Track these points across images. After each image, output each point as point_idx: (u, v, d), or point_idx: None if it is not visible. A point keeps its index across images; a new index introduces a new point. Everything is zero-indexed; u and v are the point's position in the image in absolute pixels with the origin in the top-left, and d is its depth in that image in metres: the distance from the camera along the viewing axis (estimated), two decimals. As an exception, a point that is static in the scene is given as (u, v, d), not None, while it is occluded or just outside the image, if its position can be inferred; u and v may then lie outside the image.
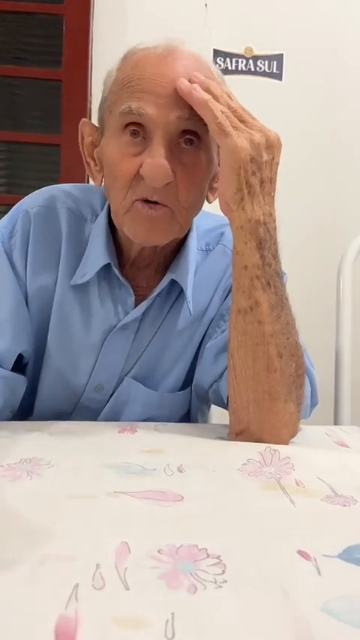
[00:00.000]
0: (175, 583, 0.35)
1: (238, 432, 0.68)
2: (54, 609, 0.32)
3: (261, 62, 1.74)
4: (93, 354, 0.78)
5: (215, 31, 1.70)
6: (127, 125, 0.66)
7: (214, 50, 1.71)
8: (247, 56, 1.74)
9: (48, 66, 1.76)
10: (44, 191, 0.79)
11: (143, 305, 0.76)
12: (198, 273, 0.79)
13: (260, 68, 1.74)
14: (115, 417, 0.80)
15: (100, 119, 0.72)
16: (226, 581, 0.36)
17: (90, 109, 1.69)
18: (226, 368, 0.71)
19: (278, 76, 1.75)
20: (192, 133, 0.66)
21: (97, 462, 0.57)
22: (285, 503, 0.49)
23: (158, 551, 0.39)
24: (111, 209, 0.73)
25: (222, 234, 0.81)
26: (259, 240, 0.66)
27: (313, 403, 0.76)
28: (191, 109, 0.64)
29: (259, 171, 0.65)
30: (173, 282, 0.77)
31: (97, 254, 0.75)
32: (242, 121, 0.65)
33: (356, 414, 1.05)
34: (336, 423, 1.03)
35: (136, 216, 0.68)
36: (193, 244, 0.79)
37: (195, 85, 0.63)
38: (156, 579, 0.36)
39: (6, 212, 0.81)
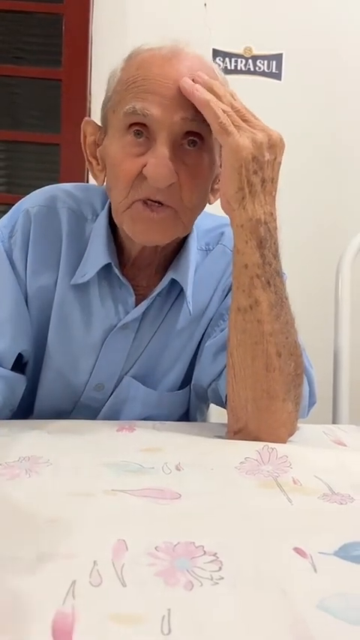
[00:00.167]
0: (172, 580, 0.35)
1: (237, 431, 0.68)
2: (51, 605, 0.32)
3: (260, 62, 1.74)
4: (93, 354, 0.78)
5: (215, 31, 1.70)
6: (130, 125, 0.66)
7: (214, 50, 1.71)
8: (246, 56, 1.74)
9: (47, 65, 1.76)
10: (45, 190, 0.80)
11: (144, 304, 0.76)
12: (198, 272, 0.79)
13: (259, 68, 1.75)
14: (114, 415, 0.81)
15: (103, 118, 0.72)
16: (222, 578, 0.36)
17: (89, 108, 1.69)
18: (225, 367, 0.71)
19: (277, 76, 1.76)
20: (196, 135, 0.66)
21: (96, 460, 0.57)
22: (282, 502, 0.49)
23: (155, 549, 0.39)
24: (112, 207, 0.73)
25: (222, 233, 0.82)
26: (260, 239, 0.66)
27: (312, 402, 0.76)
28: (195, 110, 0.64)
29: (260, 170, 0.65)
30: (173, 282, 0.77)
31: (98, 254, 0.75)
32: (245, 121, 0.66)
33: (354, 412, 1.06)
34: (334, 422, 1.03)
35: (135, 217, 0.68)
36: (194, 244, 0.79)
37: (197, 85, 0.64)
38: (153, 576, 0.36)
39: (5, 211, 0.81)
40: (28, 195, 0.80)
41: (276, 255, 0.67)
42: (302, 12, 1.75)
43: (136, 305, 0.77)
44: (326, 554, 0.40)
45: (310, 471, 0.56)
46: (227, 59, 1.72)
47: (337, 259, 1.11)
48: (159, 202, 0.66)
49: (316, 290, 1.50)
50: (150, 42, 0.68)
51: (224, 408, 0.73)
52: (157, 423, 0.73)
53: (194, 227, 0.77)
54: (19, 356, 0.76)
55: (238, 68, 1.73)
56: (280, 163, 0.67)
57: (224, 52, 1.72)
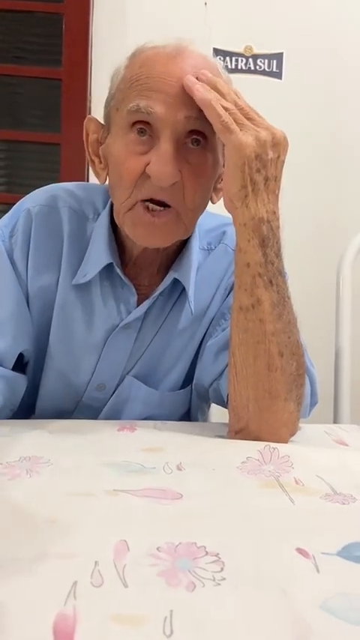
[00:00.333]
0: (174, 581, 0.35)
1: (238, 431, 0.68)
2: (52, 606, 0.32)
3: (261, 61, 1.74)
4: (95, 354, 0.78)
5: (215, 30, 1.70)
6: (134, 123, 0.66)
7: (214, 49, 1.70)
8: (246, 55, 1.74)
9: (48, 65, 1.76)
10: (46, 190, 0.79)
11: (145, 304, 0.76)
12: (199, 272, 0.79)
13: (260, 67, 1.74)
14: (115, 415, 0.80)
15: (106, 116, 0.72)
16: (224, 579, 0.36)
17: (90, 107, 1.69)
18: (227, 366, 0.71)
19: (278, 75, 1.75)
20: (199, 134, 0.66)
21: (97, 460, 0.57)
22: (284, 502, 0.49)
23: (157, 549, 0.39)
24: (113, 207, 0.73)
25: (224, 233, 0.81)
26: (262, 238, 0.66)
27: (313, 402, 0.76)
28: (199, 109, 0.64)
29: (263, 168, 0.65)
30: (175, 281, 0.77)
31: (99, 253, 0.75)
32: (249, 119, 0.66)
33: (356, 412, 1.05)
34: (335, 421, 1.03)
35: (137, 220, 0.68)
36: (195, 243, 0.79)
37: (199, 84, 0.63)
38: (155, 577, 0.36)
39: (6, 211, 0.81)
40: (29, 195, 0.79)
41: (278, 254, 0.67)
42: (302, 11, 1.75)
43: (138, 305, 0.76)
44: (329, 555, 0.39)
45: (312, 470, 0.56)
46: (228, 58, 1.72)
47: (337, 259, 1.11)
48: (161, 203, 0.66)
49: (316, 289, 1.49)
50: (154, 40, 0.68)
51: (225, 407, 0.73)
52: (158, 422, 0.73)
53: (196, 226, 0.77)
54: (20, 356, 0.76)
55: (239, 67, 1.73)
56: (283, 162, 0.67)
57: (224, 51, 1.72)
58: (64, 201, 0.78)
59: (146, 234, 0.69)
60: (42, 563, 0.36)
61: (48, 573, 0.35)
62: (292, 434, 0.68)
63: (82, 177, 1.64)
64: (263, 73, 1.75)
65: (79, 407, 0.81)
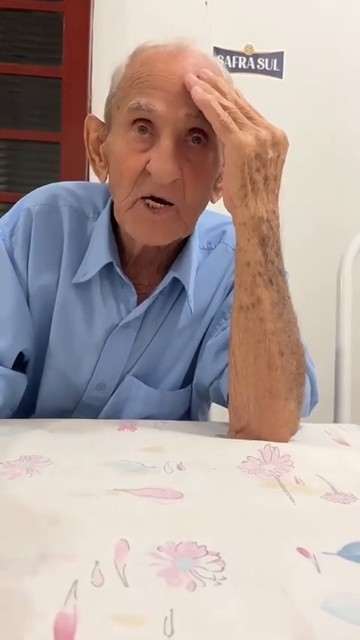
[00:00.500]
0: (175, 580, 0.35)
1: (238, 430, 0.68)
2: (53, 606, 0.32)
3: (261, 60, 1.74)
4: (95, 353, 0.78)
5: (215, 29, 1.70)
6: (135, 121, 0.66)
7: (215, 48, 1.70)
8: (247, 54, 1.73)
9: (48, 64, 1.76)
10: (46, 189, 0.79)
11: (145, 303, 0.76)
12: (199, 271, 0.79)
13: (260, 66, 1.74)
14: (116, 414, 0.80)
15: (107, 115, 0.72)
16: (225, 579, 0.36)
17: (90, 106, 1.69)
18: (227, 366, 0.71)
19: (279, 74, 1.75)
20: (200, 132, 0.66)
21: (97, 459, 0.57)
22: (285, 501, 0.49)
23: (157, 549, 0.39)
24: (114, 206, 0.73)
25: (224, 232, 0.81)
26: (262, 237, 0.65)
27: (314, 402, 0.76)
28: None
29: (263, 168, 0.65)
30: (175, 281, 0.77)
31: (99, 252, 0.75)
32: (249, 118, 0.66)
33: (356, 412, 1.05)
34: (336, 421, 1.03)
35: (138, 217, 0.68)
36: (196, 243, 0.79)
37: (197, 86, 0.63)
38: (155, 576, 0.35)
39: (6, 210, 0.80)
40: (29, 194, 0.79)
41: (278, 254, 0.67)
42: (302, 11, 1.75)
43: (138, 304, 0.76)
44: (330, 554, 0.39)
45: (312, 470, 0.56)
46: (228, 57, 1.72)
47: (337, 259, 1.11)
48: (162, 201, 0.66)
49: (316, 289, 1.50)
50: (155, 39, 0.68)
51: (226, 407, 0.73)
52: (158, 422, 0.73)
53: (196, 226, 0.77)
54: (20, 355, 0.76)
55: (239, 66, 1.73)
56: (283, 161, 0.67)
57: (225, 50, 1.72)
58: (65, 201, 0.78)
59: (147, 232, 0.69)
60: (42, 562, 0.36)
61: (48, 573, 0.35)
62: (293, 433, 0.68)
63: (83, 176, 1.64)
64: (264, 72, 1.75)
65: (79, 406, 0.81)
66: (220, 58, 1.66)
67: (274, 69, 1.75)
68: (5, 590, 0.33)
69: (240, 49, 1.73)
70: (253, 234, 0.65)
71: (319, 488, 0.52)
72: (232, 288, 0.71)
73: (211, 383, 0.78)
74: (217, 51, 1.71)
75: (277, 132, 0.66)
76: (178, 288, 0.78)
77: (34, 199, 0.78)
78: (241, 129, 0.64)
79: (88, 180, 1.60)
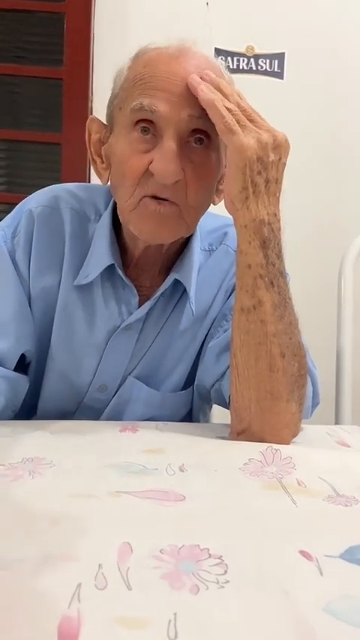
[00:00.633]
0: (178, 583, 0.35)
1: (240, 432, 0.68)
2: (56, 609, 0.32)
3: (262, 61, 1.74)
4: (97, 355, 0.78)
5: (216, 30, 1.70)
6: (137, 122, 0.66)
7: (216, 49, 1.70)
8: (248, 55, 1.73)
9: (49, 64, 1.76)
10: (48, 191, 0.79)
11: (147, 305, 0.76)
12: (201, 273, 0.79)
13: (262, 67, 1.74)
14: (117, 416, 0.80)
15: (109, 116, 0.72)
16: (228, 582, 0.36)
17: (91, 107, 1.69)
18: (228, 367, 0.71)
19: (280, 75, 1.75)
20: (202, 133, 0.66)
21: (99, 461, 0.57)
22: (286, 503, 0.49)
23: (160, 551, 0.39)
24: (117, 207, 0.73)
25: (225, 234, 0.81)
26: (263, 240, 0.66)
27: (315, 403, 0.76)
28: (203, 108, 0.64)
29: (265, 170, 0.65)
30: (176, 282, 0.77)
31: (101, 254, 0.75)
32: (251, 121, 0.66)
33: (357, 413, 1.05)
34: (337, 422, 1.03)
35: (144, 213, 0.67)
36: (197, 244, 0.79)
37: (203, 85, 0.64)
38: (158, 579, 0.36)
39: (6, 211, 0.81)
40: (30, 195, 0.79)
41: (279, 256, 0.67)
42: (303, 12, 1.74)
43: (140, 306, 0.76)
44: (332, 557, 0.39)
45: (314, 472, 0.56)
46: (229, 58, 1.72)
47: (338, 259, 1.11)
48: (164, 199, 0.66)
49: (316, 290, 1.50)
50: (156, 41, 0.68)
51: (227, 408, 0.73)
52: (160, 423, 0.73)
53: (197, 227, 0.77)
54: (22, 356, 0.76)
55: (240, 67, 1.73)
56: (284, 164, 0.67)
57: (226, 51, 1.72)
58: (66, 202, 0.78)
59: (152, 229, 0.68)
60: (45, 565, 0.36)
61: (52, 576, 0.35)
62: (295, 435, 0.68)
63: (84, 177, 1.64)
64: (265, 73, 1.75)
65: (81, 408, 0.81)
66: (221, 59, 1.66)
67: (275, 70, 1.75)
68: (7, 591, 0.33)
69: (241, 49, 1.73)
70: (254, 236, 0.66)
71: (321, 491, 0.52)
72: (233, 289, 0.71)
73: (213, 385, 0.78)
74: (218, 52, 1.71)
75: (278, 135, 0.66)
76: (179, 290, 0.78)
77: (35, 201, 0.78)
78: (242, 131, 0.64)
79: (89, 181, 1.60)
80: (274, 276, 0.66)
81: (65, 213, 0.77)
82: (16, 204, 0.80)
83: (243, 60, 1.73)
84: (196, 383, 0.82)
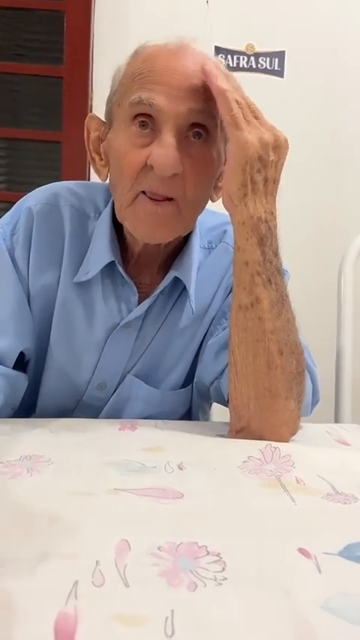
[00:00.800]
0: (175, 580, 0.35)
1: (239, 430, 0.68)
2: (53, 606, 0.32)
3: (262, 59, 1.74)
4: (96, 352, 0.78)
5: (216, 28, 1.70)
6: (136, 116, 0.66)
7: (216, 47, 1.70)
8: (248, 53, 1.73)
9: (49, 63, 1.76)
10: (47, 188, 0.79)
11: (146, 303, 0.76)
12: (200, 270, 0.79)
13: (262, 65, 1.74)
14: (116, 414, 0.80)
15: (108, 113, 0.72)
16: (226, 579, 0.36)
17: (91, 105, 1.69)
18: (227, 365, 0.70)
19: (280, 73, 1.75)
20: (201, 127, 0.66)
21: (98, 459, 0.57)
22: (285, 501, 0.49)
23: (158, 549, 0.39)
24: (115, 203, 0.72)
25: (224, 232, 0.81)
26: (260, 237, 0.66)
27: (315, 401, 0.76)
28: (202, 102, 0.64)
29: (264, 169, 0.65)
30: (176, 280, 0.76)
31: (101, 252, 0.74)
32: (256, 118, 0.66)
33: (357, 412, 1.05)
34: (337, 421, 1.03)
35: (140, 211, 0.67)
36: (196, 242, 0.79)
37: (217, 73, 0.64)
38: (156, 577, 0.35)
39: (6, 209, 0.80)
40: (30, 193, 0.79)
41: (276, 253, 0.67)
42: (303, 11, 1.74)
43: (139, 303, 0.76)
44: (330, 555, 0.39)
45: (313, 470, 0.56)
46: (229, 56, 1.72)
47: (338, 259, 1.11)
48: (163, 198, 0.66)
49: (316, 289, 1.50)
50: (156, 39, 0.68)
51: (226, 406, 0.73)
52: (159, 421, 0.73)
53: (197, 225, 0.77)
54: (21, 354, 0.76)
55: (241, 65, 1.73)
56: (282, 165, 0.67)
57: (226, 50, 1.72)
58: (66, 200, 0.77)
59: (148, 228, 0.68)
60: (43, 562, 0.36)
61: (49, 573, 0.35)
62: (294, 432, 0.68)
63: (83, 175, 1.64)
64: (265, 71, 1.75)
65: (80, 406, 0.81)
66: (222, 57, 1.66)
67: (276, 68, 1.75)
68: (5, 589, 0.33)
69: (241, 48, 1.73)
70: (251, 233, 0.66)
71: (320, 489, 0.52)
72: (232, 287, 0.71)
73: (212, 382, 0.78)
74: (218, 50, 1.71)
75: (279, 135, 0.66)
76: (179, 288, 0.78)
77: (35, 199, 0.77)
78: (247, 127, 0.64)
79: (89, 179, 1.60)
80: (272, 273, 0.66)
81: (65, 211, 0.77)
82: (16, 202, 0.80)
83: (243, 58, 1.73)
84: (195, 381, 0.82)
